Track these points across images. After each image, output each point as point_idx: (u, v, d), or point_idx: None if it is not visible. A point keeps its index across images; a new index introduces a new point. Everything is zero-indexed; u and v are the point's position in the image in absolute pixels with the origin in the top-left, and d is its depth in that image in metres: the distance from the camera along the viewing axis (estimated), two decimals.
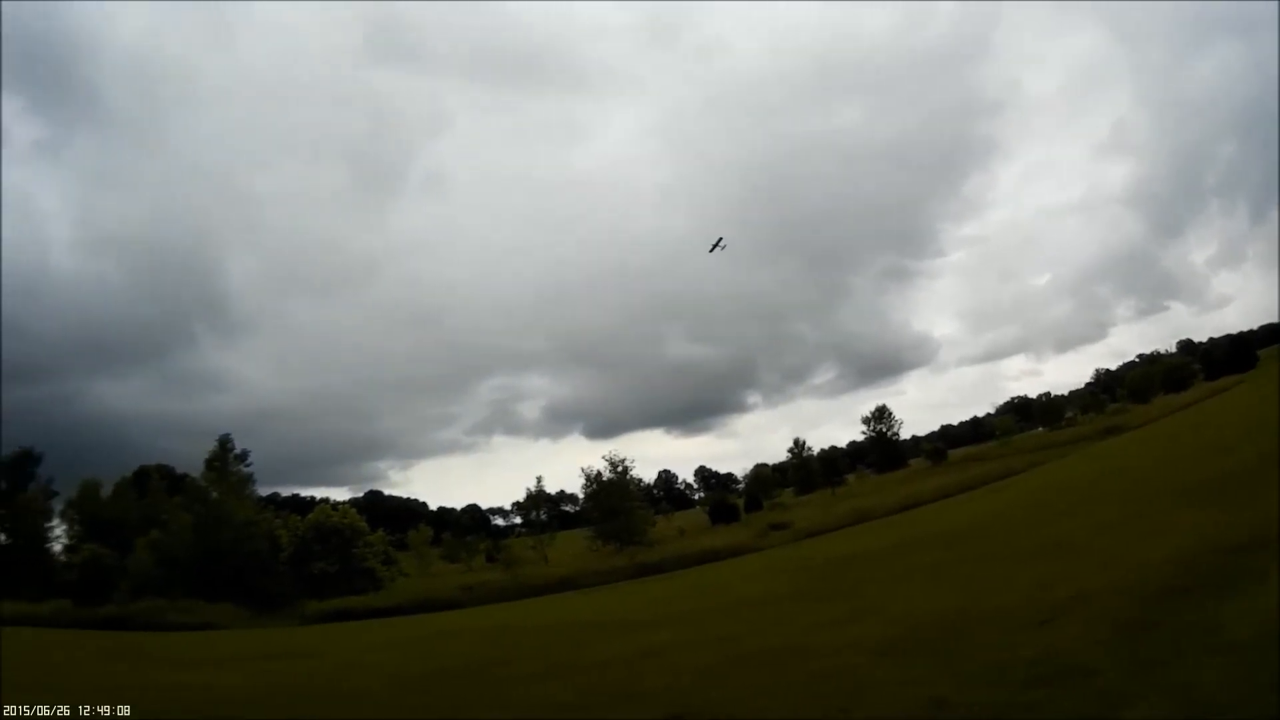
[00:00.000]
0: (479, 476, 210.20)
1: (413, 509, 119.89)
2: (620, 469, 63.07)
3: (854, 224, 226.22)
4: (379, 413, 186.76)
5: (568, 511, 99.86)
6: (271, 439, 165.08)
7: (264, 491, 66.36)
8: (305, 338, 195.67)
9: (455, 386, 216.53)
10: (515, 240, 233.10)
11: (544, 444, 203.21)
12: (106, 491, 60.53)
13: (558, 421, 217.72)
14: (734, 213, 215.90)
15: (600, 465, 63.54)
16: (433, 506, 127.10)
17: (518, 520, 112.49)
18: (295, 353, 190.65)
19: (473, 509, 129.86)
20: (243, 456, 54.44)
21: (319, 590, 48.43)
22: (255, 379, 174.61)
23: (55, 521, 58.18)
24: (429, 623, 34.34)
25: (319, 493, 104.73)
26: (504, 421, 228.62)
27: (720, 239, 55.53)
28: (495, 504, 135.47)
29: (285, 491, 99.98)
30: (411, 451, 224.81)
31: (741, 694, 9.99)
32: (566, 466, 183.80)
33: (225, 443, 54.06)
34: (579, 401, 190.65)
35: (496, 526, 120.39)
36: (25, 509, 55.58)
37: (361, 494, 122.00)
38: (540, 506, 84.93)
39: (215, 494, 52.22)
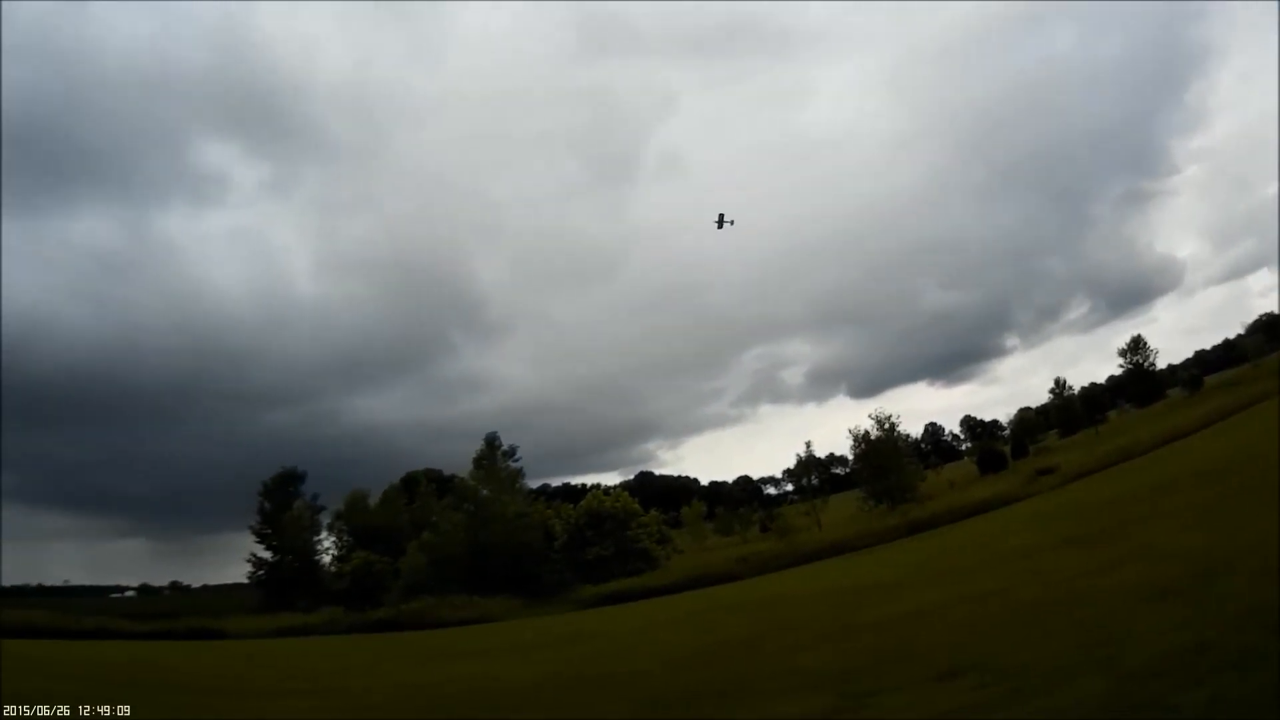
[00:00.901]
0: (748, 447, 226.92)
1: (685, 486, 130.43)
2: (887, 426, 66.26)
3: (1086, 151, 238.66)
4: (643, 395, 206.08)
5: (838, 474, 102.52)
6: (538, 432, 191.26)
7: (534, 484, 76.59)
8: (562, 331, 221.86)
9: (717, 361, 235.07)
10: (757, 209, 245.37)
11: (810, 408, 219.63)
12: (374, 500, 71.47)
13: (821, 384, 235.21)
14: (967, 155, 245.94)
15: (867, 424, 67.46)
16: (704, 482, 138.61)
17: (789, 488, 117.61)
18: (554, 347, 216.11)
19: (744, 480, 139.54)
20: (510, 453, 63.43)
21: (594, 575, 55.02)
22: (516, 376, 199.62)
23: (323, 534, 70.24)
24: (704, 598, 38.29)
25: (590, 479, 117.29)
26: (769, 390, 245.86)
27: (722, 215, 52.99)
28: (766, 473, 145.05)
29: (556, 482, 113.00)
30: (679, 429, 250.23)
31: (1010, 647, 11.28)
32: (835, 429, 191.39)
33: (492, 441, 63.14)
34: (840, 362, 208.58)
35: (769, 496, 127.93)
36: (291, 526, 66.65)
37: (632, 476, 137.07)
38: (810, 472, 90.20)
39: (485, 491, 60.50)
